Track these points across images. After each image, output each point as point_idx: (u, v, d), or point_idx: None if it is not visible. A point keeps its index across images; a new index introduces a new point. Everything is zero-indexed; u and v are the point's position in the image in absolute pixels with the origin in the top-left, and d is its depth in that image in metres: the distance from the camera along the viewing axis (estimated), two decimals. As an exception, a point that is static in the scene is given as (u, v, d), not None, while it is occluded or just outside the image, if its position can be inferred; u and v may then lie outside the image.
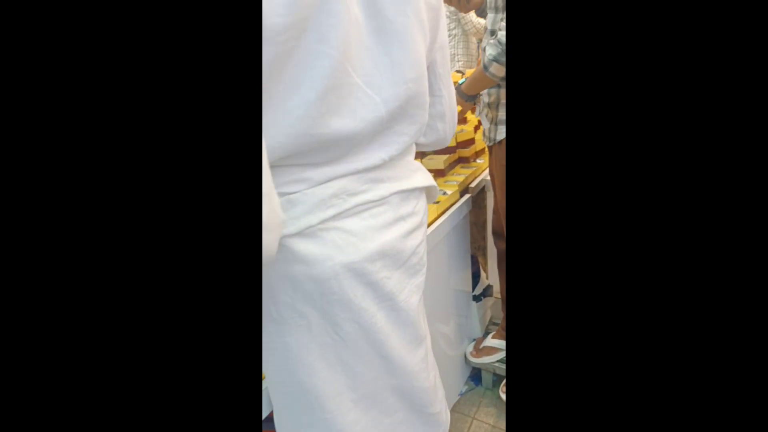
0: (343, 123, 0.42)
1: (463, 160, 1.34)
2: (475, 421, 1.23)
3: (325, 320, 0.47)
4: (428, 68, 0.55)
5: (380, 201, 0.48)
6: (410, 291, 0.54)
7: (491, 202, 1.29)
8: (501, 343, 1.31)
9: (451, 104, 0.62)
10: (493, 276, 1.43)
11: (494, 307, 1.50)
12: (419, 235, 0.56)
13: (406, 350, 0.54)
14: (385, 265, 0.49)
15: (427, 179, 0.57)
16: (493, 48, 0.90)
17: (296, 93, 0.39)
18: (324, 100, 0.40)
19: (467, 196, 1.21)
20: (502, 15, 0.92)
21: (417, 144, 0.62)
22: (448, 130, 0.64)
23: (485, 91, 1.03)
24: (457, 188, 1.16)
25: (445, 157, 1.24)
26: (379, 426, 0.55)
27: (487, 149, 1.17)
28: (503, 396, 1.22)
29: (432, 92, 0.58)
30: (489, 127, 1.04)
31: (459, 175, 1.24)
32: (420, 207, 0.56)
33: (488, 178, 1.24)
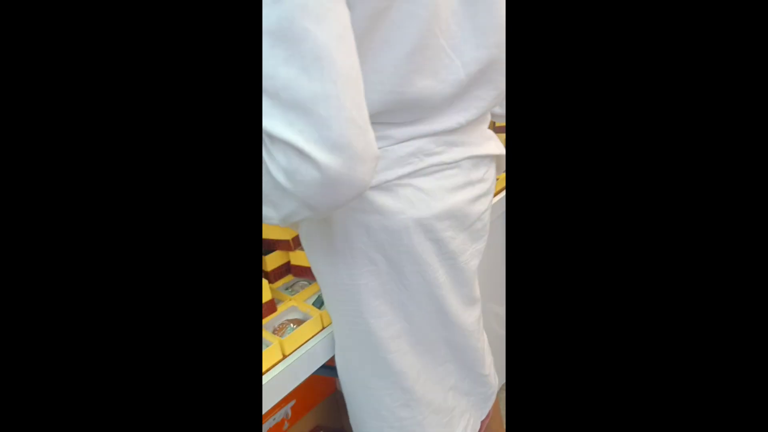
0: (425, 83, 0.45)
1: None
2: (525, 402, 1.23)
3: (392, 269, 0.51)
4: None
5: (453, 164, 0.51)
6: (471, 254, 0.57)
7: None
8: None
9: None
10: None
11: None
12: (486, 202, 0.58)
13: (462, 309, 0.57)
14: (451, 225, 0.52)
15: (499, 148, 0.59)
16: None
17: (388, 52, 0.42)
18: (412, 59, 0.43)
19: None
20: None
21: (493, 115, 0.64)
22: None
23: None
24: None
25: (509, 136, 1.22)
26: (430, 371, 0.58)
27: None
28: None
29: None
30: None
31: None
32: (489, 174, 0.58)
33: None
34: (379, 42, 0.41)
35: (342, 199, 0.37)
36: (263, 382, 0.58)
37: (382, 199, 0.48)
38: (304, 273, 0.78)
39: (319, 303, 0.71)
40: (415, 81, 0.44)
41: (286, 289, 0.78)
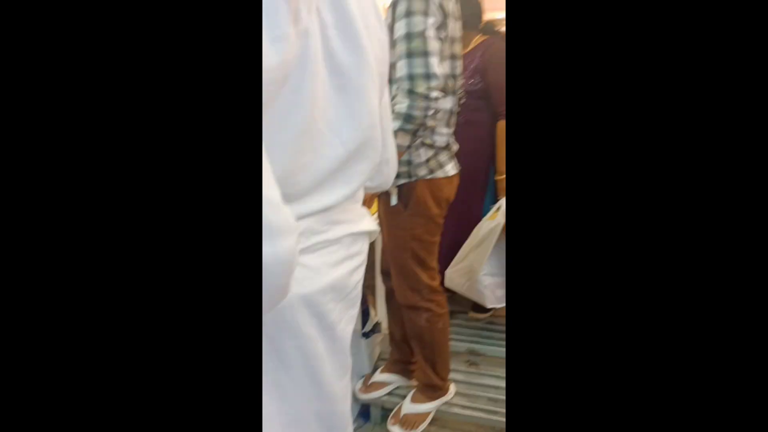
0: (308, 159, 0.50)
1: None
2: (365, 457, 1.26)
3: (271, 347, 0.51)
4: None
5: (336, 240, 0.56)
6: (347, 321, 0.61)
7: (380, 243, 1.41)
8: (389, 377, 1.39)
9: (393, 152, 0.75)
10: (381, 313, 1.53)
11: (383, 342, 1.58)
12: (361, 272, 0.63)
13: (336, 377, 0.59)
14: (333, 297, 0.55)
15: (372, 224, 0.66)
16: (395, 121, 1.04)
17: (277, 134, 0.46)
18: (297, 141, 0.48)
19: (360, 238, 1.30)
20: (395, 86, 1.08)
21: (366, 187, 0.71)
22: (391, 174, 0.76)
23: None
24: (351, 230, 1.24)
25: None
26: None
27: (377, 197, 1.29)
28: (392, 428, 1.28)
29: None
30: None
31: (352, 219, 1.32)
32: (364, 247, 0.64)
33: (377, 221, 1.35)
34: (269, 126, 0.44)
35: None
36: None
37: None
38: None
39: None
40: (298, 159, 0.49)
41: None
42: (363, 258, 0.64)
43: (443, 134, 1.18)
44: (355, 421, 1.39)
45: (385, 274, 1.33)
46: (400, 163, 1.12)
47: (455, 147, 1.26)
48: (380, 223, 1.25)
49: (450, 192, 1.23)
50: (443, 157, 1.19)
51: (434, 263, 1.24)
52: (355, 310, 0.64)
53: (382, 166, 0.72)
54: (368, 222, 0.65)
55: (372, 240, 0.73)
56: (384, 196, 1.17)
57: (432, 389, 1.29)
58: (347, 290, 0.59)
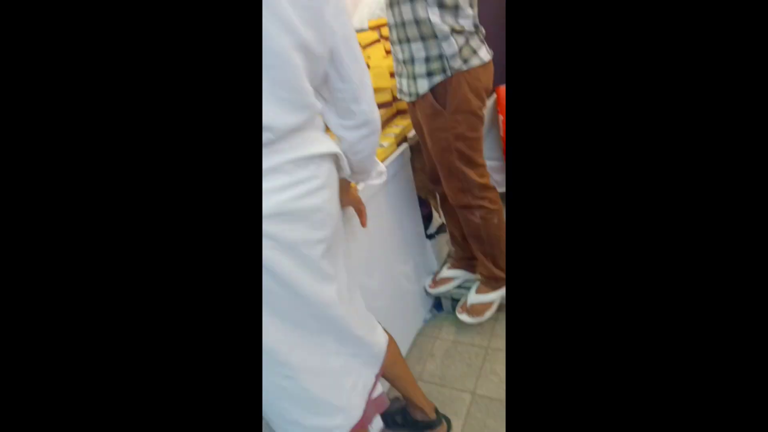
0: None
1: (401, 112, 1.42)
2: (438, 341, 1.42)
3: None
4: (333, 58, 0.64)
5: (273, 168, 0.60)
6: (313, 242, 0.66)
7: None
8: (455, 273, 1.47)
9: (363, 87, 0.69)
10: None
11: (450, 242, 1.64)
12: (321, 195, 0.66)
13: (318, 286, 0.67)
14: (283, 220, 0.61)
15: (325, 147, 0.67)
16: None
17: None
18: None
19: (404, 145, 1.31)
20: None
21: (346, 127, 0.71)
22: (367, 111, 0.71)
23: (398, 48, 1.10)
24: (393, 140, 1.26)
25: (382, 111, 1.33)
26: (304, 343, 0.69)
27: (408, 106, 1.23)
28: (460, 316, 1.39)
29: (342, 79, 0.66)
30: (408, 82, 1.12)
31: (397, 127, 1.33)
32: (320, 171, 0.66)
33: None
34: None
35: None
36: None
37: None
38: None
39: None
40: None
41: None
42: (319, 181, 0.66)
43: (469, 16, 1.06)
44: (429, 311, 1.54)
45: (433, 181, 1.33)
46: (430, 59, 1.05)
47: (483, 30, 1.12)
48: (418, 131, 1.23)
49: (488, 80, 1.13)
50: (474, 42, 1.08)
51: (481, 160, 1.20)
52: (324, 232, 0.68)
53: (350, 105, 0.69)
54: (319, 146, 0.66)
55: (343, 168, 0.73)
56: (421, 101, 1.12)
57: (495, 281, 1.33)
58: (303, 214, 0.63)
